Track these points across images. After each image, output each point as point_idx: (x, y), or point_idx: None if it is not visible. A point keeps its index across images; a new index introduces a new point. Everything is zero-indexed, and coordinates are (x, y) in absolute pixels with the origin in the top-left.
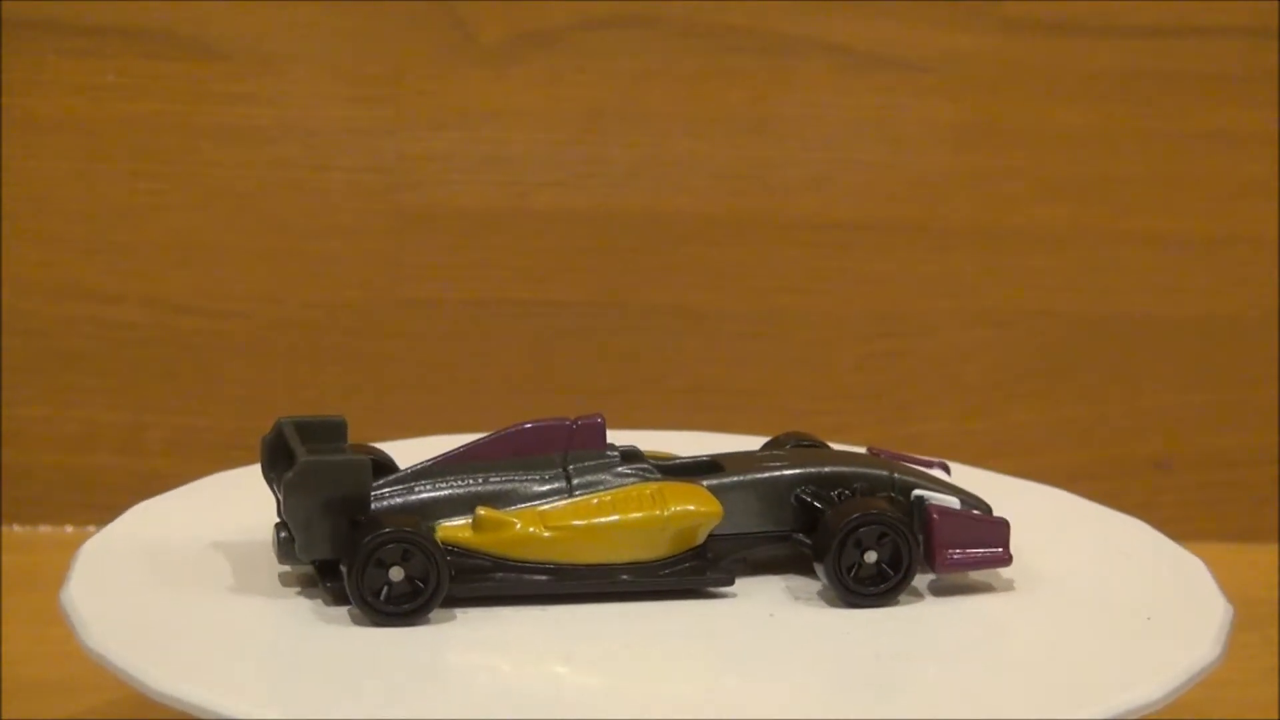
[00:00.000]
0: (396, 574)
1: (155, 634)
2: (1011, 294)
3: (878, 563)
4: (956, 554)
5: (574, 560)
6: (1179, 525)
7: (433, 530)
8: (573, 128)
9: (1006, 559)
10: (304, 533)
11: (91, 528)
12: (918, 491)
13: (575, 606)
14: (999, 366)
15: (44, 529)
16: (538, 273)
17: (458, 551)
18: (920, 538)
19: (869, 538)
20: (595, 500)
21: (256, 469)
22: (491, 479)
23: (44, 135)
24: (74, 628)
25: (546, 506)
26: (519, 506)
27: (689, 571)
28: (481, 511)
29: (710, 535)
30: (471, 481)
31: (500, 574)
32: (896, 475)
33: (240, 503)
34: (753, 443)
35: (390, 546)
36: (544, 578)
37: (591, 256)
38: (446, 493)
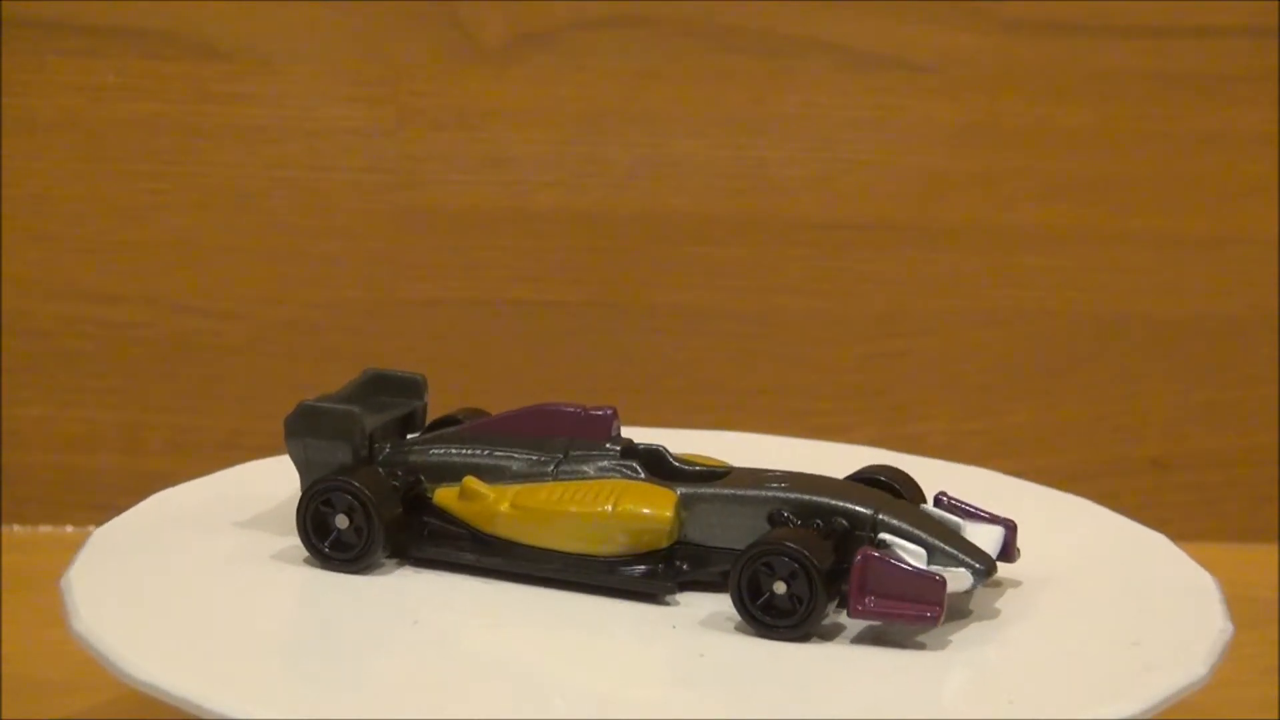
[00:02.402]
0: (342, 522)
1: (155, 633)
2: (1011, 294)
3: (790, 595)
4: (873, 602)
5: (531, 542)
6: (1179, 525)
7: (432, 492)
8: (573, 128)
9: (932, 620)
10: (304, 473)
11: (92, 528)
12: (884, 535)
13: (532, 589)
14: (999, 366)
15: (44, 529)
16: (538, 273)
17: (444, 515)
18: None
19: (782, 569)
20: (563, 488)
21: (255, 467)
22: (495, 453)
23: (44, 135)
24: (74, 628)
25: (522, 486)
26: (505, 482)
27: (635, 573)
28: (466, 481)
29: (683, 544)
30: (478, 452)
31: (464, 543)
32: (881, 515)
33: (240, 501)
34: (810, 448)
35: (335, 495)
36: (497, 554)
37: (591, 256)
38: (455, 459)
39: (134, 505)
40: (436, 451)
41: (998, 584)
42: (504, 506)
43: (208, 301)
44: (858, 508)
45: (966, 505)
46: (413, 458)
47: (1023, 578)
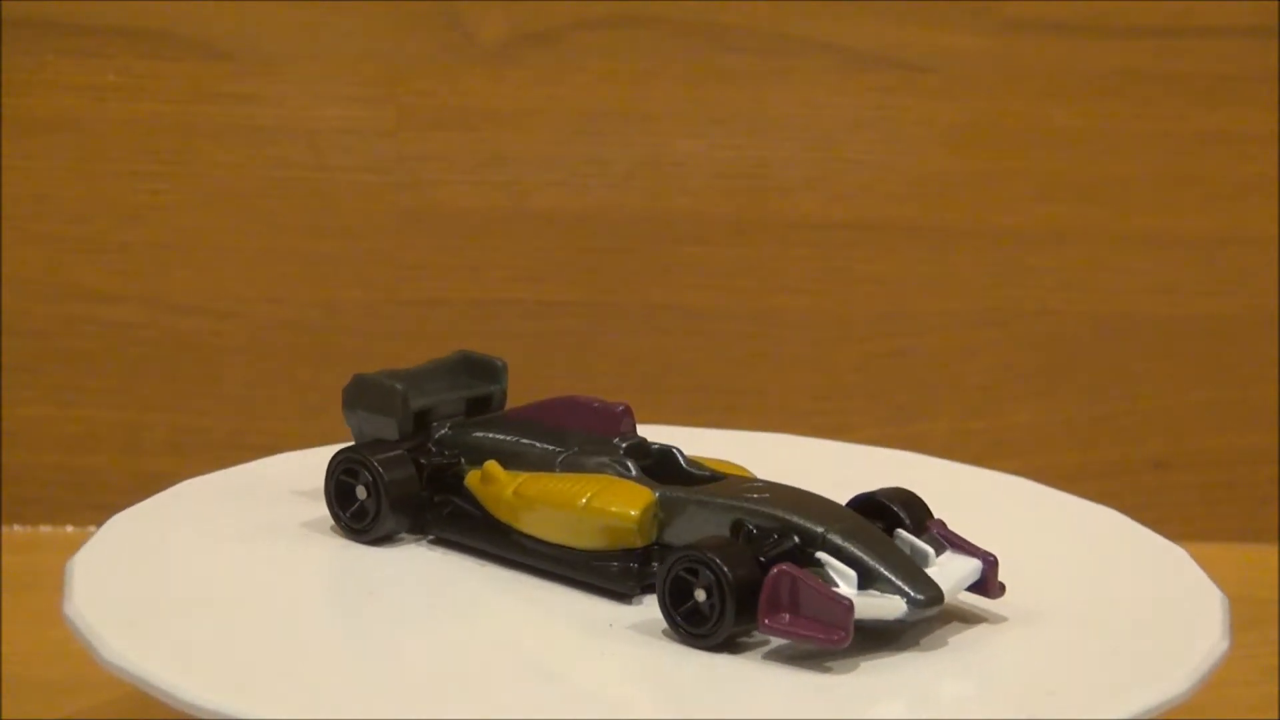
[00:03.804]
0: (362, 493)
1: (156, 632)
2: (1011, 294)
3: (710, 604)
4: (780, 618)
5: (525, 529)
6: (1179, 525)
7: (464, 472)
8: (573, 128)
9: (836, 643)
10: (359, 439)
11: (91, 528)
12: (821, 554)
13: (518, 575)
14: (999, 366)
15: (44, 529)
16: (538, 273)
17: (470, 497)
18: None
19: (703, 577)
20: (558, 480)
21: (255, 466)
22: (522, 440)
23: (44, 135)
24: (75, 627)
25: (529, 474)
26: (522, 469)
27: (599, 570)
28: (486, 465)
29: (662, 546)
30: (508, 438)
31: (477, 524)
32: (830, 535)
33: (240, 500)
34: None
35: (354, 466)
36: (499, 538)
37: (591, 256)
38: (489, 443)
39: (133, 505)
40: (478, 434)
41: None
42: (508, 493)
43: (208, 301)
44: (810, 525)
45: (953, 536)
46: (458, 438)
47: (1020, 578)
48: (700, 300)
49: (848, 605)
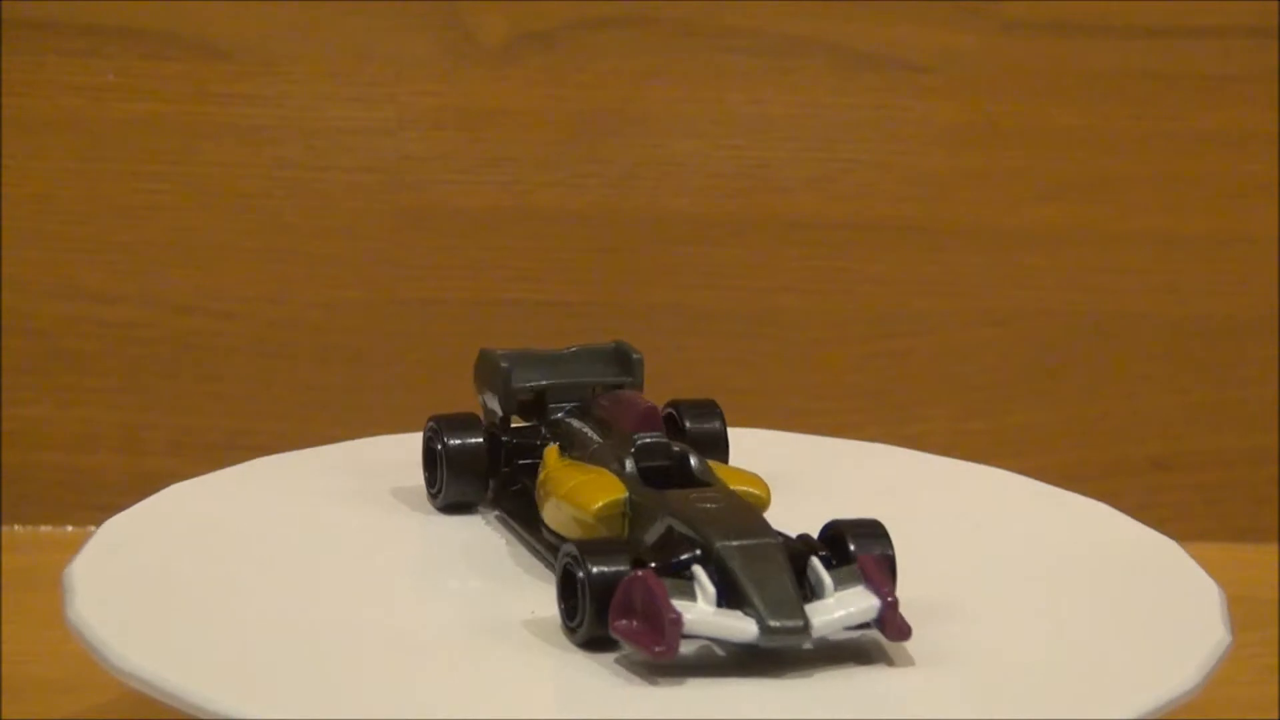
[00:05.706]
0: (442, 460)
1: (156, 632)
2: (1011, 294)
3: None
4: (628, 624)
5: (542, 514)
6: (1179, 525)
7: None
8: (573, 128)
9: (660, 655)
10: (483, 415)
11: (92, 528)
12: (695, 567)
13: (524, 558)
14: (999, 366)
15: (44, 529)
16: (538, 273)
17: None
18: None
19: (579, 574)
20: (564, 469)
21: (256, 466)
22: (585, 429)
23: (44, 135)
24: (76, 627)
25: (566, 461)
26: (573, 458)
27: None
28: (547, 449)
29: (630, 543)
30: (578, 426)
31: (523, 504)
32: (720, 552)
33: (241, 500)
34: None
35: (432, 435)
36: (531, 521)
37: (591, 256)
38: (569, 429)
39: (133, 505)
40: (567, 420)
41: (986, 584)
42: (540, 479)
43: (208, 301)
44: (710, 539)
45: (875, 573)
46: (563, 419)
47: (1022, 578)
48: (700, 300)
49: (675, 619)
